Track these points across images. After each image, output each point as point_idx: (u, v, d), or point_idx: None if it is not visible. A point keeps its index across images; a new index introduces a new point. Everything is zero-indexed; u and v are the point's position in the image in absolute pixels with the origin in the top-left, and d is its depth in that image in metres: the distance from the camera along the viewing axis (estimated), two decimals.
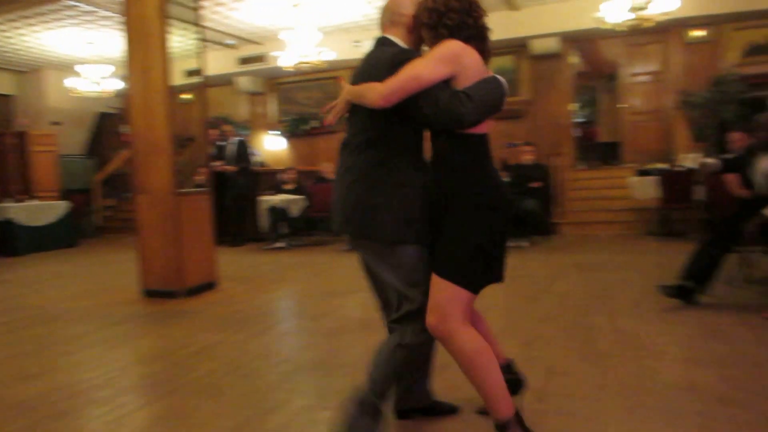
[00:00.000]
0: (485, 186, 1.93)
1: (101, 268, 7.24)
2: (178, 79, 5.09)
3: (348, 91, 1.94)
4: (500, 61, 10.09)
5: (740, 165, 3.94)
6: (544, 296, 4.41)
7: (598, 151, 11.01)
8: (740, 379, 2.50)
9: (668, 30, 8.99)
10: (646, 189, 7.59)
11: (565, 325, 3.53)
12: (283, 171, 8.92)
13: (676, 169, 7.40)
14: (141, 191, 4.97)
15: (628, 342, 3.13)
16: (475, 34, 1.92)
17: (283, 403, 2.53)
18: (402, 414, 2.26)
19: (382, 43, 2.00)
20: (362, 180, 1.94)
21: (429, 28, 1.92)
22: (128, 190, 10.72)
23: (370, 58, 1.99)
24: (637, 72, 9.73)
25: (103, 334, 3.86)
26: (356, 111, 1.97)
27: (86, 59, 10.17)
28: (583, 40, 10.28)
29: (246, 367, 3.03)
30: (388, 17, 2.02)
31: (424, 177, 1.95)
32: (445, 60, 1.83)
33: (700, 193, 6.65)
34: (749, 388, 2.40)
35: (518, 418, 1.91)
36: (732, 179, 4.23)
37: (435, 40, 1.92)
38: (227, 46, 10.62)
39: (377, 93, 1.82)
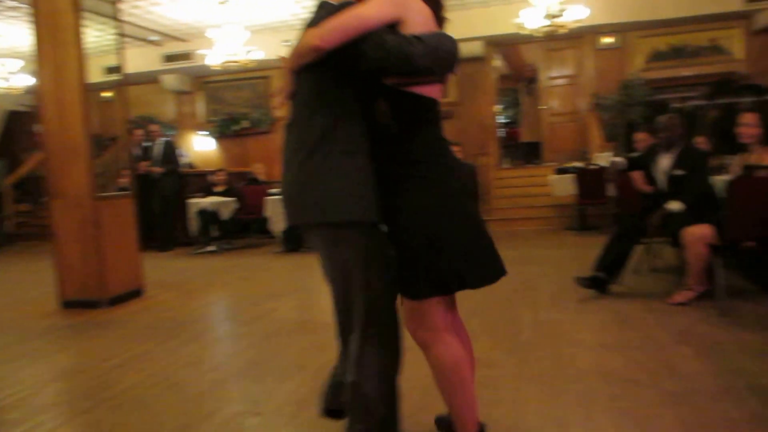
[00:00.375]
0: (450, 165, 1.73)
1: (14, 278, 6.83)
2: (96, 76, 4.86)
3: (287, 60, 1.72)
4: None
5: (644, 163, 4.26)
6: (472, 291, 4.56)
7: (521, 150, 11.48)
8: (646, 362, 2.71)
9: (582, 36, 9.53)
10: (564, 186, 8.01)
11: (491, 319, 3.69)
12: (212, 173, 8.72)
13: (590, 167, 7.86)
14: (56, 195, 4.71)
15: (548, 332, 3.32)
16: None
17: (214, 411, 2.46)
18: (333, 413, 1.98)
19: (321, 6, 1.76)
20: (309, 156, 1.69)
21: None
22: (43, 195, 10.13)
23: (309, 22, 1.75)
24: (555, 75, 10.24)
25: (18, 350, 3.64)
26: (299, 82, 1.74)
27: None
28: (505, 45, 10.71)
29: (174, 377, 2.93)
30: None
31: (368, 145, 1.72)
32: (388, 2, 1.62)
33: (611, 189, 7.09)
34: (653, 369, 2.61)
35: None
36: (637, 176, 4.56)
37: None
38: (150, 42, 10.23)
39: (313, 34, 1.60)
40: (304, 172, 1.70)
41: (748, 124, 3.60)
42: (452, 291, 1.74)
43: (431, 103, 1.72)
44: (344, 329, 1.84)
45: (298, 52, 1.66)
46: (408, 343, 1.86)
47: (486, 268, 1.77)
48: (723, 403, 2.21)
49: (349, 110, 1.69)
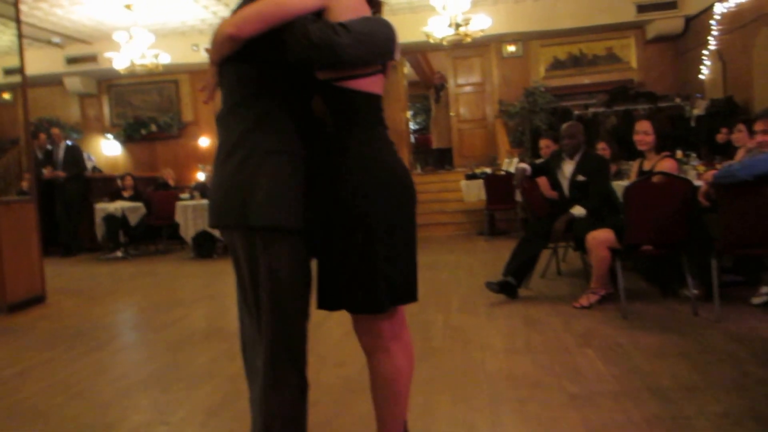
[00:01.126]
0: (394, 164, 1.60)
1: None
2: None
3: (209, 52, 1.55)
4: None
5: (548, 169, 4.37)
6: None
7: (433, 156, 11.65)
8: (551, 365, 2.74)
9: (487, 45, 9.82)
10: (474, 192, 8.17)
11: None
12: (120, 177, 8.46)
13: (498, 173, 8.07)
14: None
15: (458, 336, 3.30)
16: None
17: (119, 420, 2.35)
18: None
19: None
20: (230, 155, 1.55)
21: None
22: None
23: (236, 8, 1.59)
24: (463, 83, 10.48)
25: None
26: (224, 75, 1.59)
27: None
28: (414, 52, 10.83)
29: (77, 386, 2.78)
30: None
31: (302, 147, 1.57)
32: None
33: (518, 194, 7.31)
34: (558, 372, 2.63)
35: None
36: (542, 182, 4.69)
37: None
38: (53, 44, 9.55)
39: (229, 23, 1.45)
40: (225, 171, 1.56)
41: (643, 132, 3.76)
42: (407, 302, 1.63)
43: (371, 99, 1.57)
44: (248, 349, 1.70)
45: (215, 41, 1.49)
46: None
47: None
48: (624, 404, 2.25)
49: (276, 105, 1.54)
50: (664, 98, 8.80)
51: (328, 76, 1.51)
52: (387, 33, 1.55)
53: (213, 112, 1.82)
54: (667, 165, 3.63)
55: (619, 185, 4.22)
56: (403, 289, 1.59)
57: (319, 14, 1.50)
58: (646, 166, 3.81)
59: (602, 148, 5.22)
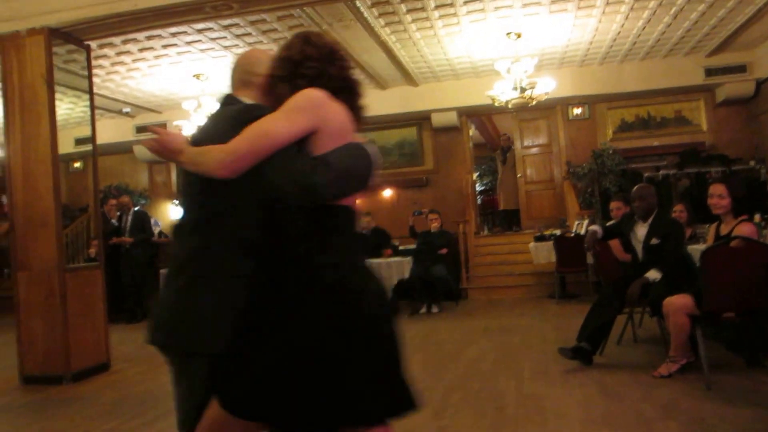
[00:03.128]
0: (355, 282, 1.51)
1: None
2: (66, 147, 4.88)
3: (184, 158, 1.51)
4: (404, 133, 10.57)
5: (620, 231, 4.30)
6: (454, 363, 4.47)
7: (500, 217, 11.61)
8: None
9: (553, 107, 9.88)
10: (543, 254, 8.05)
11: (475, 392, 3.58)
12: None
13: (568, 234, 7.94)
14: (21, 268, 4.62)
15: (533, 406, 3.22)
16: (341, 86, 1.58)
17: None
18: None
19: (227, 102, 1.64)
20: (182, 273, 1.55)
21: (284, 81, 1.56)
22: (7, 266, 9.89)
23: (213, 117, 1.65)
24: (529, 144, 10.53)
25: None
26: (188, 184, 1.58)
27: None
28: (479, 115, 11.04)
29: None
30: (239, 76, 1.68)
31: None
32: (302, 110, 1.47)
33: (590, 257, 7.15)
34: None
35: None
36: (615, 245, 4.60)
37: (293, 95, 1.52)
38: (123, 114, 10.37)
39: (217, 159, 1.42)
40: (172, 288, 1.58)
41: (717, 195, 3.67)
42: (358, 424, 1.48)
43: (342, 211, 1.54)
44: None
45: (196, 162, 1.48)
46: None
47: (393, 400, 1.54)
48: None
49: (238, 225, 1.52)
50: (738, 161, 8.49)
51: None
52: (366, 164, 1.55)
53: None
54: (746, 229, 3.50)
55: (695, 249, 4.09)
56: (352, 409, 1.48)
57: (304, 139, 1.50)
58: (724, 230, 3.68)
59: (679, 211, 5.08)
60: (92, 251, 5.41)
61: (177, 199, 1.83)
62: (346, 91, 1.59)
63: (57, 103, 4.67)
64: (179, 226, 1.63)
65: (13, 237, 4.67)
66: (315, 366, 1.43)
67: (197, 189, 1.55)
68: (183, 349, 1.54)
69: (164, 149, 1.51)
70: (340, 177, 1.47)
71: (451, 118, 10.02)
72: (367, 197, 1.69)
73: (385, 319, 1.54)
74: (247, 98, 1.62)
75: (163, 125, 10.34)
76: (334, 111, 1.53)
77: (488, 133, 13.30)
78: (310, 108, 1.48)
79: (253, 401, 1.44)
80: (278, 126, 1.45)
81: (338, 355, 1.44)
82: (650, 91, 9.27)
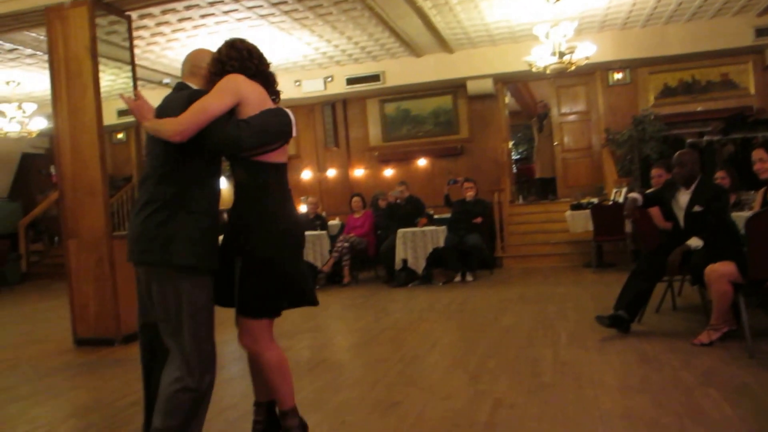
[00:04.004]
0: (276, 212, 2.20)
1: (28, 317, 6.86)
2: (110, 119, 4.99)
3: (147, 124, 2.11)
4: (440, 101, 10.46)
5: (661, 199, 4.21)
6: (490, 329, 4.51)
7: (536, 186, 11.47)
8: (672, 404, 2.63)
9: (592, 73, 9.61)
10: (580, 222, 7.95)
11: (511, 358, 3.62)
12: (225, 211, 8.78)
13: (606, 203, 7.80)
14: (72, 235, 4.80)
15: (569, 372, 3.24)
16: (257, 74, 2.22)
17: None
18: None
19: (180, 87, 2.27)
20: (160, 210, 2.10)
21: (216, 75, 2.20)
22: (57, 234, 10.37)
23: (169, 99, 2.21)
24: (566, 112, 10.30)
25: (32, 387, 3.64)
26: (153, 146, 2.16)
27: (8, 98, 9.78)
28: (515, 82, 10.82)
29: None
30: (189, 68, 2.30)
31: (217, 206, 2.23)
32: (227, 90, 2.10)
33: (628, 226, 7.03)
34: (680, 413, 2.52)
35: (295, 409, 2.31)
36: (655, 213, 4.51)
37: None
38: (163, 84, 10.51)
39: (173, 128, 2.03)
40: (153, 222, 2.10)
41: (759, 159, 3.59)
42: (278, 314, 2.26)
43: (276, 166, 2.23)
44: (153, 353, 2.26)
45: (157, 130, 2.07)
46: None
47: (303, 297, 2.29)
48: None
49: (195, 178, 2.13)
50: None
51: (246, 154, 2.15)
52: (281, 120, 2.17)
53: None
54: None
55: (740, 216, 3.99)
56: (257, 305, 2.20)
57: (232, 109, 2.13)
58: None
59: (721, 177, 4.94)
60: None
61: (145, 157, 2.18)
62: (262, 78, 2.24)
63: (100, 74, 4.75)
64: (146, 177, 2.19)
65: (63, 206, 4.84)
66: (264, 268, 2.17)
67: (161, 149, 2.11)
68: (173, 263, 2.07)
69: (137, 112, 2.12)
70: (258, 131, 2.09)
71: (487, 85, 9.85)
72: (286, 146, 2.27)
73: (297, 247, 2.30)
74: (194, 85, 2.24)
75: None
76: (252, 88, 2.16)
77: (524, 100, 13.04)
78: (232, 87, 2.11)
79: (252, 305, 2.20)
80: (212, 103, 2.06)
81: (273, 260, 2.18)
82: (695, 54, 8.93)
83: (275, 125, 2.15)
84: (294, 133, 2.23)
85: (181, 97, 2.13)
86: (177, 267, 2.07)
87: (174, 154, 2.08)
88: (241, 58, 2.21)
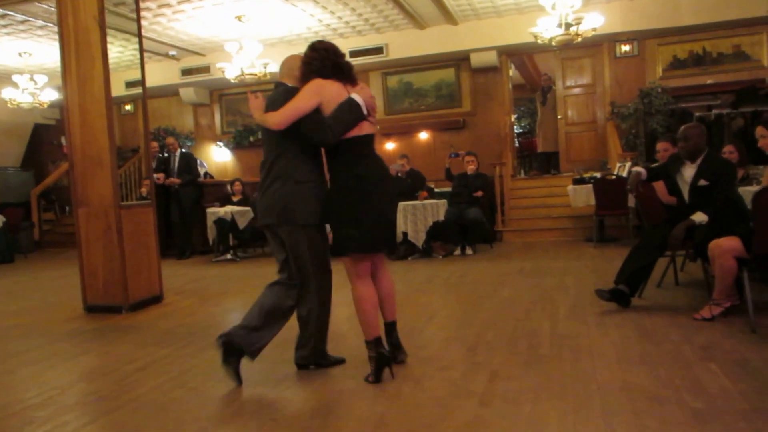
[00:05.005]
0: (355, 172, 2.75)
1: (40, 283, 6.94)
2: (118, 90, 5.00)
3: (257, 116, 2.83)
4: (442, 74, 10.31)
5: (666, 173, 4.14)
6: (489, 302, 4.50)
7: (538, 160, 11.37)
8: (670, 378, 2.62)
9: (598, 45, 9.43)
10: (581, 197, 7.88)
11: (509, 330, 3.61)
12: (230, 183, 8.87)
13: (608, 177, 7.73)
14: (81, 204, 4.86)
15: (567, 345, 3.22)
16: (337, 71, 2.80)
17: (232, 415, 2.51)
18: (301, 366, 3.04)
19: (278, 85, 2.97)
20: (283, 184, 2.82)
21: (305, 75, 2.82)
22: (67, 204, 10.47)
23: (272, 97, 2.90)
24: (571, 85, 10.14)
25: (44, 352, 3.72)
26: (268, 135, 2.87)
27: (20, 69, 9.74)
28: (520, 54, 10.64)
29: (193, 381, 2.98)
30: (286, 71, 2.96)
31: (320, 175, 2.89)
32: (312, 93, 2.73)
33: (631, 200, 6.96)
34: (678, 386, 2.51)
35: (379, 339, 2.79)
36: (659, 187, 4.45)
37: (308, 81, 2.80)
38: (170, 57, 10.41)
39: (273, 121, 2.73)
40: (275, 193, 2.84)
41: (761, 136, 3.53)
42: (345, 254, 2.79)
43: (351, 140, 2.78)
44: (290, 277, 2.98)
45: (264, 121, 2.79)
46: None
47: (374, 241, 2.78)
48: (755, 423, 2.12)
49: (298, 154, 2.82)
50: None
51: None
52: (353, 109, 2.74)
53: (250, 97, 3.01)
54: None
55: (747, 191, 3.92)
56: (343, 245, 2.79)
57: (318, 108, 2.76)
58: None
59: (729, 152, 4.85)
60: (144, 190, 5.67)
61: (263, 143, 2.93)
62: (338, 72, 2.81)
63: (108, 46, 4.75)
64: (264, 160, 2.92)
65: (72, 175, 4.89)
66: (355, 220, 2.74)
67: (273, 137, 2.83)
68: (294, 223, 2.80)
69: (253, 107, 2.85)
70: (338, 124, 2.71)
71: (491, 57, 9.70)
72: (370, 122, 2.84)
73: (385, 196, 2.86)
74: (289, 83, 2.93)
75: (207, 68, 10.42)
76: (330, 88, 2.76)
77: (528, 73, 12.85)
78: (315, 90, 2.74)
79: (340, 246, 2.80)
80: (301, 103, 2.71)
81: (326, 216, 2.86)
82: (707, 25, 8.73)
83: (352, 115, 2.73)
84: (365, 111, 2.76)
85: (280, 93, 2.84)
86: (297, 225, 2.80)
87: (282, 141, 2.78)
88: (320, 57, 2.78)
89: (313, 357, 3.01)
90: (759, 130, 3.62)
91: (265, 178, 2.87)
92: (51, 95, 9.98)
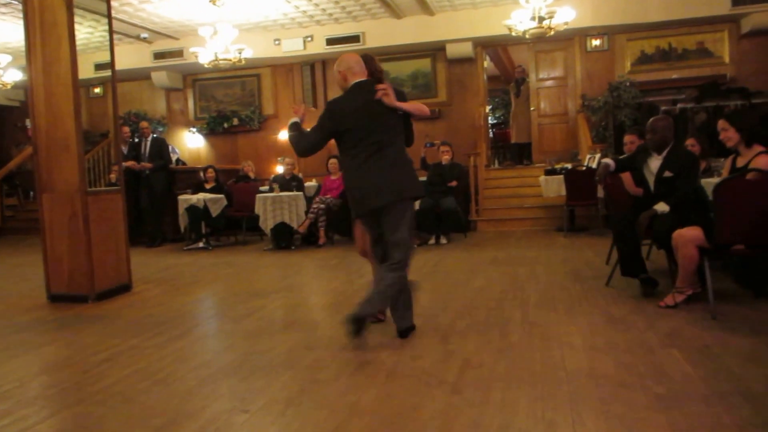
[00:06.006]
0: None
1: (1, 271, 6.73)
2: (87, 72, 4.85)
3: (407, 106, 3.34)
4: (418, 64, 10.33)
5: (633, 165, 4.26)
6: (462, 291, 4.57)
7: (511, 151, 11.51)
8: (635, 365, 2.71)
9: (570, 38, 9.57)
10: (553, 187, 8.03)
11: (481, 319, 3.68)
12: (202, 169, 8.70)
13: (579, 168, 7.88)
14: (46, 190, 4.71)
15: (537, 333, 3.31)
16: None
17: (200, 408, 2.45)
18: (402, 334, 3.35)
19: (369, 83, 3.37)
20: (398, 165, 3.27)
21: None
22: (31, 189, 10.17)
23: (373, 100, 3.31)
24: (544, 77, 10.27)
25: (3, 343, 3.60)
26: (388, 121, 3.28)
27: None
28: (494, 46, 10.72)
29: (161, 372, 2.92)
30: (360, 69, 3.37)
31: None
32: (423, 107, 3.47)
33: (601, 190, 7.12)
34: (643, 372, 2.61)
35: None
36: (627, 178, 4.57)
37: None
38: (141, 39, 10.16)
39: (425, 110, 3.43)
40: (393, 173, 3.25)
41: (722, 129, 3.68)
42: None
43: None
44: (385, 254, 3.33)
45: (416, 109, 3.38)
46: None
47: None
48: (714, 407, 2.21)
49: (404, 140, 3.38)
50: (759, 94, 8.25)
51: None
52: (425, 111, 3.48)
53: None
54: (763, 161, 3.47)
55: (709, 182, 4.06)
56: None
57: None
58: (740, 162, 3.65)
59: (691, 145, 5.00)
60: (113, 176, 5.50)
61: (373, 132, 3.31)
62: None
63: (76, 27, 4.59)
64: (379, 147, 3.25)
65: (37, 160, 4.73)
66: None
67: (391, 129, 3.28)
68: (410, 195, 3.30)
69: (388, 100, 3.23)
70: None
71: (467, 48, 9.75)
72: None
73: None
74: (353, 79, 3.39)
75: (180, 52, 10.20)
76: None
77: (503, 65, 12.96)
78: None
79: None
80: (425, 108, 3.49)
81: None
82: (673, 21, 8.96)
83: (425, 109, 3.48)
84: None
85: (397, 92, 3.35)
86: (407, 198, 3.27)
87: (396, 131, 3.29)
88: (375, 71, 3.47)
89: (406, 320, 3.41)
90: (720, 124, 3.75)
91: (390, 162, 3.23)
92: (15, 75, 9.61)
